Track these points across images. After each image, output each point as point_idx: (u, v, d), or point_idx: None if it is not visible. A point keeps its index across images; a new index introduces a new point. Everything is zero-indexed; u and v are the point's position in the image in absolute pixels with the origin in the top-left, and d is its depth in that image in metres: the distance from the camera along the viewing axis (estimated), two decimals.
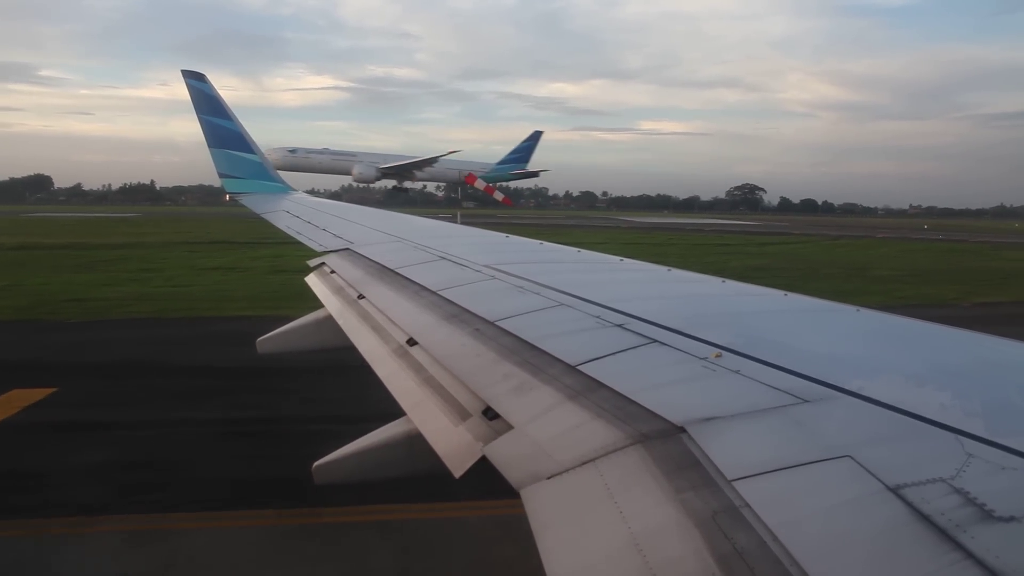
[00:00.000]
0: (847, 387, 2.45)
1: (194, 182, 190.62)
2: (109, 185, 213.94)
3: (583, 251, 7.00)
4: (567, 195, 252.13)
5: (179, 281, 29.95)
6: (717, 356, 2.90)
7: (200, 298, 25.40)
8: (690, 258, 41.70)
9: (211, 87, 15.32)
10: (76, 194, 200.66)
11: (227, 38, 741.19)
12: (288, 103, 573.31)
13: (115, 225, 71.10)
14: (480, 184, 32.81)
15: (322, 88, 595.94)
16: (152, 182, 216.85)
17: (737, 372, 2.72)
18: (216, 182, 16.38)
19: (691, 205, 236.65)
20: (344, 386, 14.46)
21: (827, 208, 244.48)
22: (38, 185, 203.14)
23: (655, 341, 3.22)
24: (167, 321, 21.70)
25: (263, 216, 12.95)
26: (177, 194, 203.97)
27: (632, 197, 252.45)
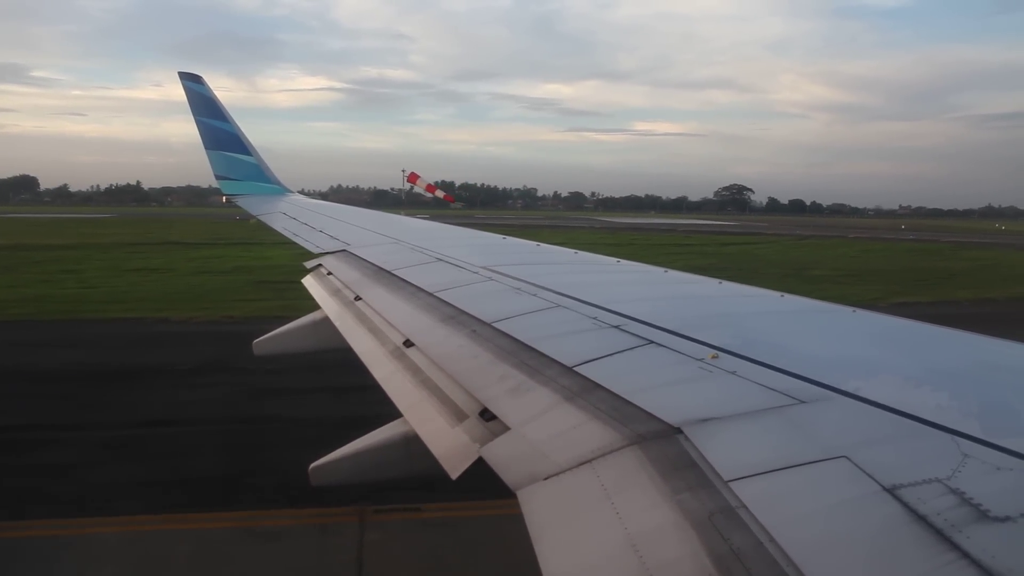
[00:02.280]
0: (843, 388, 2.46)
1: (187, 183, 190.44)
2: (97, 186, 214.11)
3: (580, 252, 7.01)
4: (555, 196, 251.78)
5: (91, 283, 29.43)
6: (714, 357, 2.90)
7: (94, 300, 25.06)
8: (639, 258, 41.06)
9: (208, 89, 15.31)
10: (62, 195, 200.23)
11: (221, 39, 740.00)
12: (282, 104, 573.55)
13: (79, 226, 69.71)
14: (422, 183, 32.63)
15: (316, 89, 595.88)
16: (138, 183, 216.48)
17: (733, 373, 2.72)
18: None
19: (679, 206, 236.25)
20: (141, 392, 14.21)
21: (815, 208, 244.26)
22: (23, 186, 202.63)
23: (652, 342, 3.23)
24: (32, 324, 21.27)
25: (259, 218, 12.92)
26: (164, 195, 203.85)
27: (620, 198, 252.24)
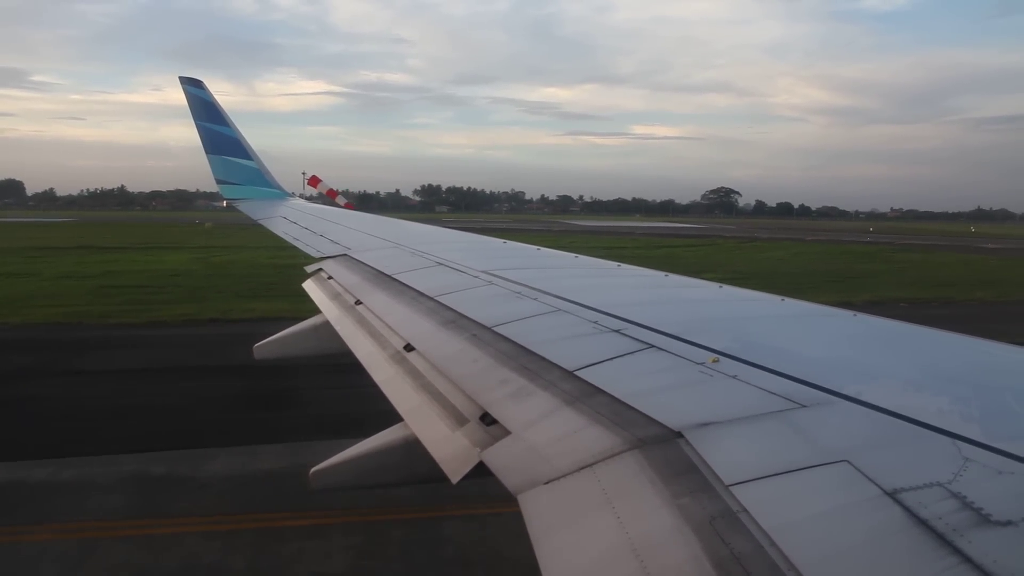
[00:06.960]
0: (844, 392, 2.45)
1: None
2: (85, 190, 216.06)
3: (580, 256, 7.02)
4: (542, 199, 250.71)
5: None
6: (714, 361, 2.90)
7: None
8: None
9: (209, 93, 15.33)
10: (47, 199, 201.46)
11: (219, 43, 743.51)
12: (281, 108, 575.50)
13: (18, 230, 68.47)
14: (323, 187, 32.33)
15: (315, 93, 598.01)
16: (123, 187, 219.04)
17: (734, 377, 2.72)
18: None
19: (666, 208, 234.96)
20: None
21: (803, 211, 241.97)
22: (10, 190, 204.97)
23: (652, 346, 3.22)
24: None
25: (260, 222, 12.91)
26: (150, 199, 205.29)
27: (608, 201, 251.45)
